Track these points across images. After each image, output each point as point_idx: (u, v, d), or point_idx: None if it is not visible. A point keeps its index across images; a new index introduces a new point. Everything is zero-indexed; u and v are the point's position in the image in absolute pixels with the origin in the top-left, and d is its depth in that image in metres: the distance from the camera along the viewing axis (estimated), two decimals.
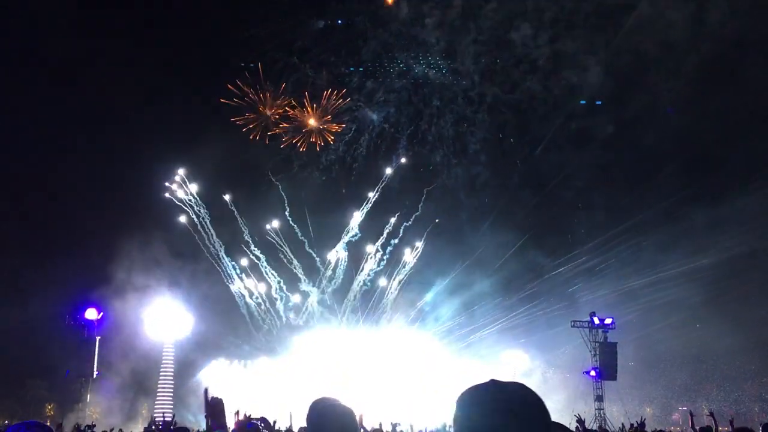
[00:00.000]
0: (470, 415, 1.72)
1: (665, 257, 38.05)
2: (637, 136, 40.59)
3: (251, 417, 6.90)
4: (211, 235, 40.37)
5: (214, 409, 3.64)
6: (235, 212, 40.88)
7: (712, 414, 12.07)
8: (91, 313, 32.72)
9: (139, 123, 39.58)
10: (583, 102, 41.53)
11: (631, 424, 17.17)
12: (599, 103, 41.75)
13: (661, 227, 38.76)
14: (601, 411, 32.14)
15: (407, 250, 41.91)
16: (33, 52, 39.23)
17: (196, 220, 40.15)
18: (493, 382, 1.78)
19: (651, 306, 39.50)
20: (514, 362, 40.63)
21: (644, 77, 40.04)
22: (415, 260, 41.82)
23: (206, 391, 3.65)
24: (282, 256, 41.57)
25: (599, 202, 41.98)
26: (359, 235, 42.14)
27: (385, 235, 41.92)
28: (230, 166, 40.50)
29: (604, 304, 36.59)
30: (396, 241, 41.87)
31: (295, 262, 41.75)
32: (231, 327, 41.49)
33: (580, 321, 34.46)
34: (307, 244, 41.55)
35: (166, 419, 14.60)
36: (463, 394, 1.79)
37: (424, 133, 42.68)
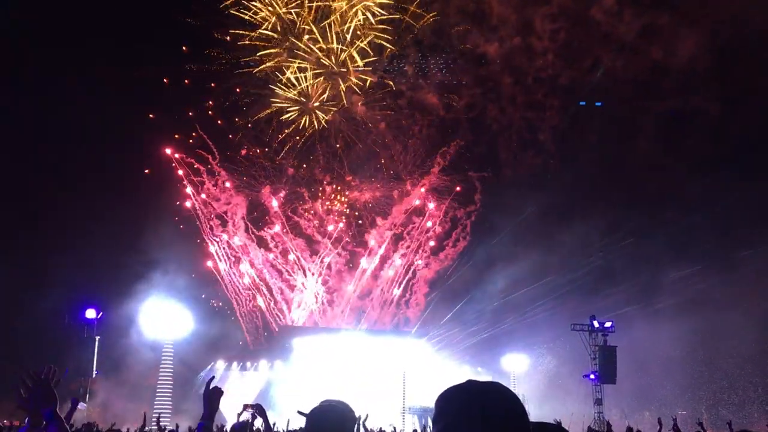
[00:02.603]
0: (445, 416, 1.70)
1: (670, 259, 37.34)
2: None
3: (247, 405, 6.93)
4: (220, 231, 40.35)
5: (211, 396, 3.65)
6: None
7: (675, 420, 11.93)
8: (90, 313, 32.70)
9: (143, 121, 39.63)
10: (582, 103, 39.98)
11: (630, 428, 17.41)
12: (599, 104, 40.13)
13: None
14: (601, 414, 32.05)
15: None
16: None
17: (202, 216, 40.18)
18: (470, 382, 1.76)
19: (652, 309, 39.21)
20: (514, 365, 40.48)
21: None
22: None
23: (212, 379, 3.71)
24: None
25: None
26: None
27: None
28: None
29: (604, 306, 36.45)
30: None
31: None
32: (231, 329, 41.50)
33: (579, 324, 34.34)
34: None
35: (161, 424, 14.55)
36: (440, 394, 1.77)
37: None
